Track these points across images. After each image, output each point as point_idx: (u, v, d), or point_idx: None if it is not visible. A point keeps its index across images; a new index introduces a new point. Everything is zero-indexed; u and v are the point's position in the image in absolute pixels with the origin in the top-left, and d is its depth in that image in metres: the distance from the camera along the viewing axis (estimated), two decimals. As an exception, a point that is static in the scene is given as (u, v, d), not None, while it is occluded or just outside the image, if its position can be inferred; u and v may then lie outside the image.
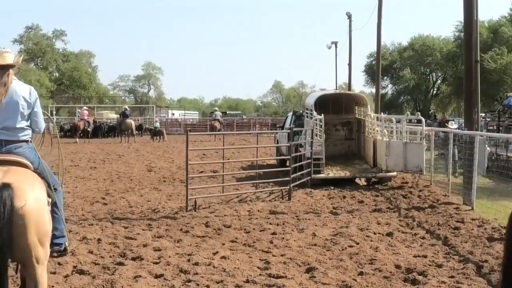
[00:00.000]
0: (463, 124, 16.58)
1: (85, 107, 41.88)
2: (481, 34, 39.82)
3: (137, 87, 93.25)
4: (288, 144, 13.06)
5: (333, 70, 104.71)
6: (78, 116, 39.38)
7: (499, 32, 42.33)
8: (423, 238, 8.25)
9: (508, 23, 43.22)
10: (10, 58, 4.53)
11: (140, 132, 38.91)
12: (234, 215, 10.05)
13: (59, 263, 6.40)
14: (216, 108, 45.12)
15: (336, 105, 17.33)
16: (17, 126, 4.48)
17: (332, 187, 13.71)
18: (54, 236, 4.74)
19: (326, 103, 16.76)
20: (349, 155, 17.03)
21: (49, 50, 67.50)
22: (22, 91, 4.54)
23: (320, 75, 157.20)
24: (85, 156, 22.71)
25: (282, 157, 16.73)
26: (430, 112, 47.31)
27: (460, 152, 13.83)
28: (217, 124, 36.74)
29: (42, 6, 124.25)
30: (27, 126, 4.59)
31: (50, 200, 4.46)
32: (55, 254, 4.99)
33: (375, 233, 8.50)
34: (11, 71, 4.49)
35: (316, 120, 14.77)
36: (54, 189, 4.76)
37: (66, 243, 4.97)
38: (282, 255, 7.11)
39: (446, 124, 15.56)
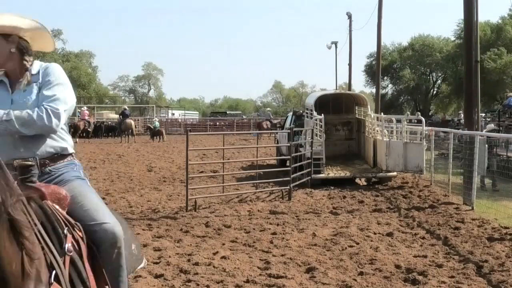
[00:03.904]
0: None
1: (85, 107, 41.87)
2: (485, 32, 39.82)
3: (137, 87, 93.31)
4: (288, 144, 13.06)
5: (333, 70, 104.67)
6: (78, 116, 39.36)
7: (503, 31, 42.29)
8: (423, 238, 8.25)
9: (510, 22, 43.19)
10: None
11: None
12: (234, 215, 10.05)
13: (59, 263, 6.39)
14: (269, 109, 44.62)
15: (336, 105, 17.34)
16: None
17: (332, 187, 13.71)
18: None
19: (326, 103, 16.76)
20: (349, 155, 17.02)
21: (49, 50, 67.43)
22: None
23: (320, 75, 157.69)
24: (85, 156, 22.69)
25: (282, 157, 16.74)
26: (430, 113, 47.30)
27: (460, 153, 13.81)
28: (264, 125, 35.57)
29: (42, 6, 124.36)
30: None
31: None
32: None
33: (375, 233, 8.50)
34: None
35: (316, 120, 14.78)
36: None
37: None
38: (282, 255, 7.11)
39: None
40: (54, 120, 2.99)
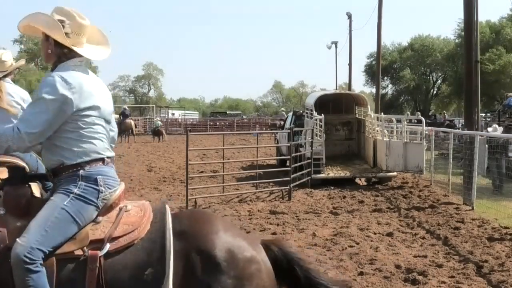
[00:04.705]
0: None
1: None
2: (484, 33, 39.78)
3: (137, 87, 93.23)
4: (288, 144, 13.07)
5: (333, 70, 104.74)
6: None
7: (502, 33, 42.26)
8: (423, 238, 8.26)
9: (510, 23, 43.14)
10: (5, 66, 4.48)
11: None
12: (234, 215, 10.05)
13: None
14: (283, 109, 45.06)
15: (336, 105, 17.34)
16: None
17: (332, 187, 13.71)
18: None
19: (326, 103, 16.76)
20: (349, 155, 17.03)
21: (49, 50, 67.46)
22: (15, 94, 4.50)
23: (320, 75, 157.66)
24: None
25: (282, 157, 16.74)
26: (430, 113, 47.27)
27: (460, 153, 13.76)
28: (278, 124, 36.07)
29: (42, 6, 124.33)
30: None
31: None
32: None
33: (375, 233, 8.50)
34: (1, 82, 4.42)
35: (316, 120, 14.78)
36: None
37: None
38: (282, 255, 7.10)
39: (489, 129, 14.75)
40: (19, 143, 2.85)
